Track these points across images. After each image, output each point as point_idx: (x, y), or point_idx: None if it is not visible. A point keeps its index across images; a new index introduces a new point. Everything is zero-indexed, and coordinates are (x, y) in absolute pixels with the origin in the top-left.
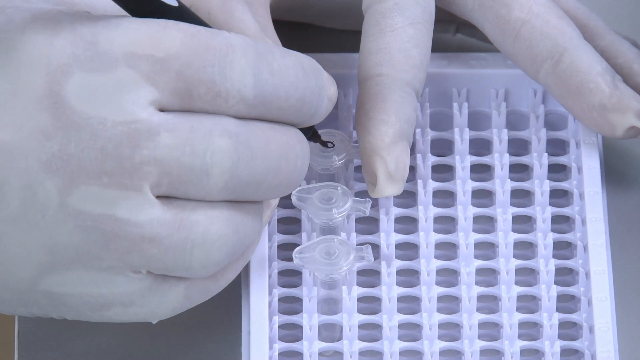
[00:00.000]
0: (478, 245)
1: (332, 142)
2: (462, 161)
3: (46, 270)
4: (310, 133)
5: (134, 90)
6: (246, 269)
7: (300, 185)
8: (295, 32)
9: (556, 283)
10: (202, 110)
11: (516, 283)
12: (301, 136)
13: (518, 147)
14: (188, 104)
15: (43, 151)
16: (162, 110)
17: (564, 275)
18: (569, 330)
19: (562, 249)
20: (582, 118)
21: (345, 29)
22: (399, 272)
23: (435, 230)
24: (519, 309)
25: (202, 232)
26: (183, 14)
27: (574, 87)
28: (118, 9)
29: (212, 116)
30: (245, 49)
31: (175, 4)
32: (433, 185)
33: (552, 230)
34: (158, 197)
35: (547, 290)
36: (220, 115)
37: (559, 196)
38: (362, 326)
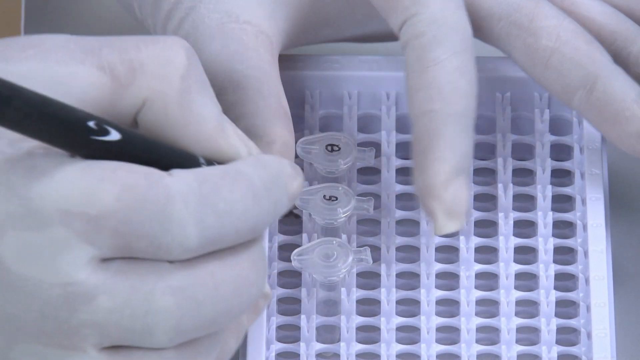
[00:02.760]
0: (479, 249)
1: (300, 214)
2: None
3: None
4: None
5: (70, 251)
6: None
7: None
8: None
9: (556, 288)
10: (146, 259)
11: (516, 287)
12: (255, 257)
13: (522, 151)
14: (130, 255)
15: None
16: (104, 259)
17: (564, 281)
18: (567, 335)
19: (563, 254)
20: (621, 145)
21: (365, 40)
22: (399, 275)
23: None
24: (517, 314)
25: None
26: (127, 146)
27: (609, 115)
28: None
29: (154, 269)
30: (186, 196)
31: (117, 137)
32: None
33: (554, 235)
34: (103, 348)
35: (547, 296)
36: (163, 267)
37: (561, 201)
38: (360, 328)
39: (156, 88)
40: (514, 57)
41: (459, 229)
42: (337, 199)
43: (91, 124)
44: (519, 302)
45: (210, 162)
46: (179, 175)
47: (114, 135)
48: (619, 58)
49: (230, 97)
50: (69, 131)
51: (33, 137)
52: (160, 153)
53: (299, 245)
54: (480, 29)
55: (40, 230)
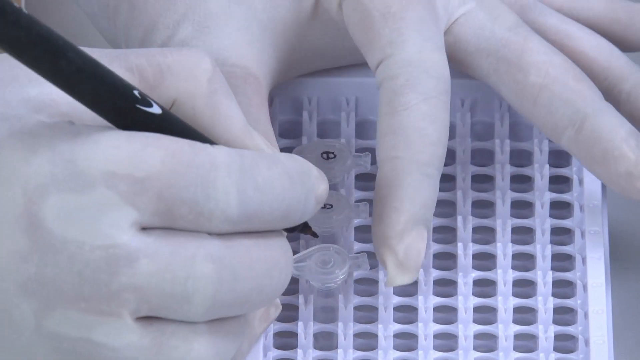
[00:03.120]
0: (476, 255)
1: (315, 234)
2: (464, 171)
3: None
4: (300, 227)
5: (113, 212)
6: None
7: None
8: None
9: (554, 295)
10: (185, 229)
11: (514, 294)
12: (285, 247)
13: (520, 158)
14: (170, 223)
15: (19, 273)
16: (144, 228)
17: (562, 287)
18: (565, 342)
19: (561, 260)
20: (610, 184)
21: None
22: None
23: (434, 240)
24: (515, 321)
25: (180, 357)
26: (167, 122)
27: (598, 154)
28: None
29: (194, 238)
30: (229, 165)
31: (159, 111)
32: None
33: (552, 242)
34: (137, 318)
35: (544, 302)
36: (202, 236)
37: (559, 207)
38: (358, 335)
39: (184, 89)
40: (502, 93)
41: (410, 282)
42: (332, 206)
43: (136, 93)
44: (516, 309)
45: None
46: (220, 147)
47: (156, 109)
48: (610, 95)
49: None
50: (117, 94)
51: (80, 96)
52: (196, 136)
53: (296, 252)
54: (468, 65)
55: (84, 192)
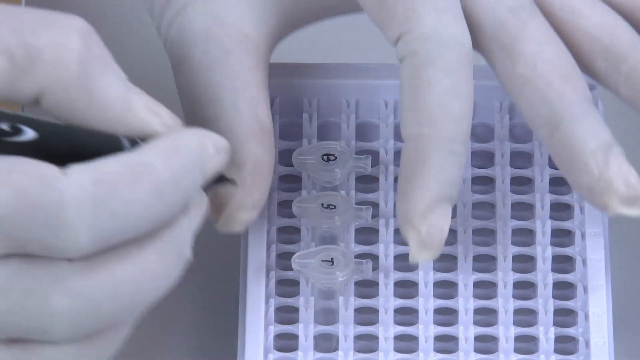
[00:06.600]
0: (477, 257)
1: (231, 180)
2: (464, 173)
3: None
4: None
5: None
6: (243, 277)
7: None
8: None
9: (554, 297)
10: (43, 256)
11: (514, 296)
12: (164, 245)
13: (521, 159)
14: (26, 253)
15: None
16: (1, 257)
17: (562, 289)
18: (565, 344)
19: (562, 262)
20: (576, 189)
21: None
22: (397, 284)
23: None
24: (516, 323)
25: None
26: (42, 144)
27: (565, 162)
28: None
29: (51, 270)
30: (79, 202)
31: (32, 135)
32: None
33: (552, 243)
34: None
35: (545, 304)
36: (60, 267)
37: (559, 210)
38: (358, 337)
39: (55, 75)
40: (494, 71)
41: (433, 259)
42: (335, 207)
43: (4, 126)
44: (517, 311)
45: (133, 140)
46: (75, 176)
47: (29, 134)
48: (611, 78)
49: (204, 111)
50: None
51: None
52: (78, 143)
53: (297, 252)
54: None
55: None
